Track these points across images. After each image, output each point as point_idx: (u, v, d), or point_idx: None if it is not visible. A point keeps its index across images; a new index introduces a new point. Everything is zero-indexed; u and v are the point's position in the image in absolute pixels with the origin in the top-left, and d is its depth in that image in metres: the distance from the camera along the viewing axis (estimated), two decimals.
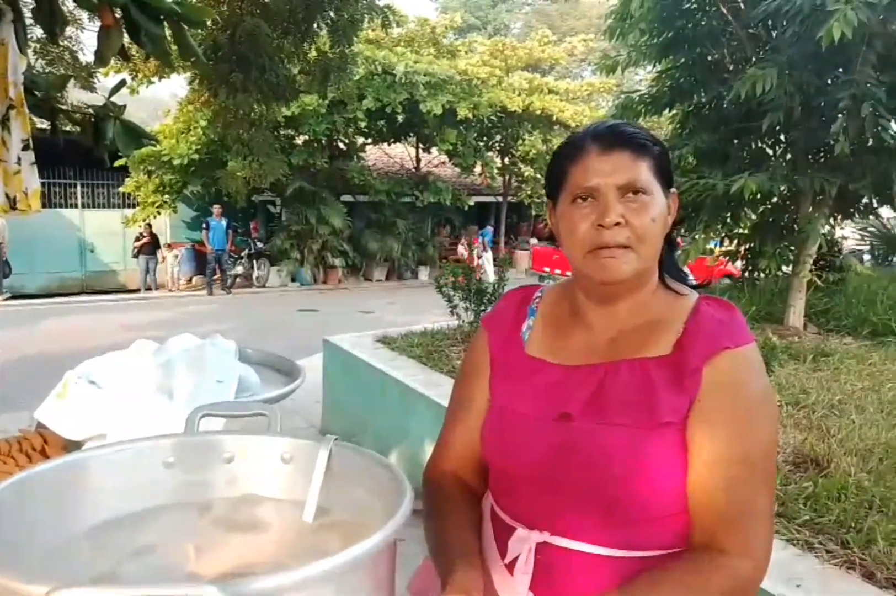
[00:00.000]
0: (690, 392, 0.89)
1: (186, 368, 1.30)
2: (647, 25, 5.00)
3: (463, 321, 4.95)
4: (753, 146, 5.47)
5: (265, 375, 1.59)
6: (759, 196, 5.05)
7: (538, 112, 15.47)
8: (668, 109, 5.71)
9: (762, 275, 6.07)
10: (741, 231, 6.10)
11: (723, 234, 6.08)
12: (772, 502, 0.91)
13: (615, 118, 5.90)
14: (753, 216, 5.94)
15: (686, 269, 1.08)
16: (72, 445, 1.35)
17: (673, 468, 0.88)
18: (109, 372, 1.35)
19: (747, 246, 6.08)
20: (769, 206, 5.74)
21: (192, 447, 0.97)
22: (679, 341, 0.92)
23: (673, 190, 0.97)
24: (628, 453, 0.88)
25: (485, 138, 16.85)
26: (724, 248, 6.61)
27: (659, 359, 0.92)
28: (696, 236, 5.50)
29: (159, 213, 14.62)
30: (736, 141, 5.36)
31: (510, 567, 0.97)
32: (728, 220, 5.73)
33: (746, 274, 6.28)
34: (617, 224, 0.90)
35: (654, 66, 5.59)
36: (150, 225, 14.57)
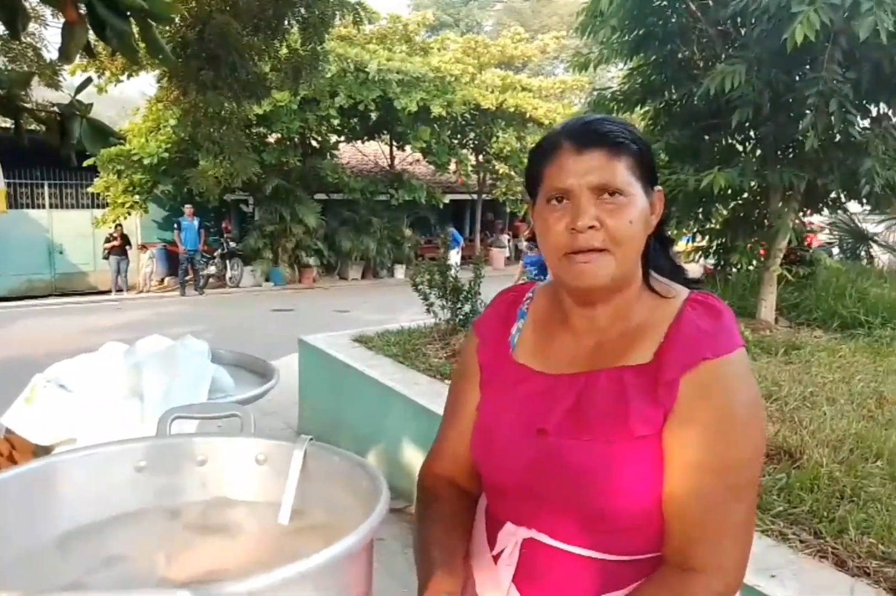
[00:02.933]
0: (665, 404, 0.86)
1: (157, 370, 1.28)
2: (618, 23, 5.02)
3: (439, 319, 4.94)
4: (723, 142, 5.54)
5: (239, 376, 1.57)
6: (729, 191, 5.11)
7: (512, 109, 15.51)
8: (640, 106, 5.75)
9: (734, 270, 6.14)
10: (713, 226, 6.17)
11: (695, 230, 6.14)
12: (749, 517, 0.88)
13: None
14: (724, 212, 6.01)
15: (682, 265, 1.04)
16: (41, 450, 1.32)
17: (650, 480, 0.87)
18: (79, 375, 1.32)
19: (719, 241, 6.14)
20: (740, 202, 5.82)
21: (163, 450, 0.95)
22: (659, 349, 0.89)
23: (658, 188, 0.94)
24: (603, 468, 0.87)
25: (459, 136, 16.86)
26: (696, 244, 6.68)
27: (638, 367, 0.90)
28: (668, 232, 5.53)
29: (129, 213, 14.40)
30: (706, 137, 5.42)
31: (497, 559, 0.97)
32: (700, 215, 5.79)
33: (719, 269, 6.35)
34: (591, 227, 0.87)
35: (626, 63, 5.62)
36: (120, 226, 14.33)
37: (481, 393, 1.03)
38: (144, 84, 17.04)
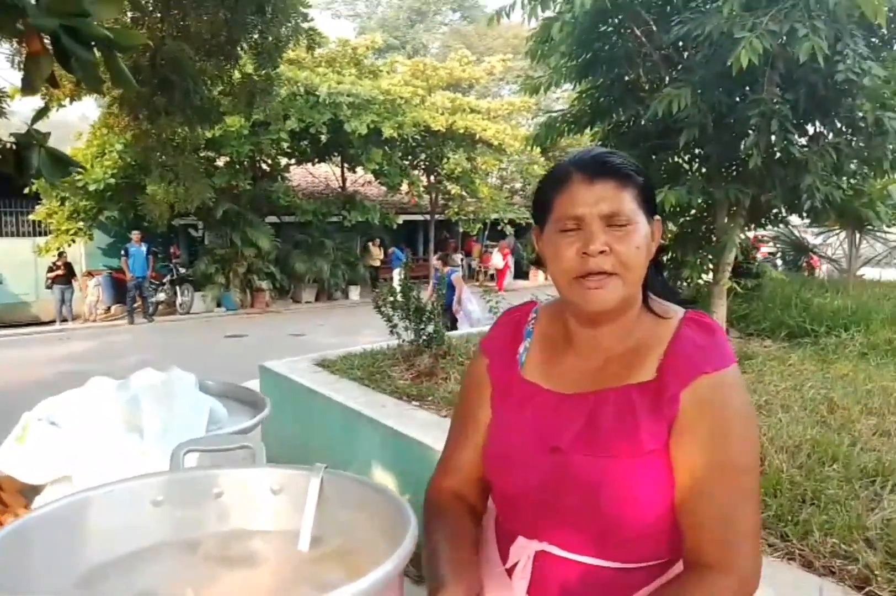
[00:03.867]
0: (668, 417, 0.92)
1: (155, 404, 1.27)
2: (567, 48, 5.18)
3: (403, 340, 4.95)
4: (671, 161, 5.73)
5: (231, 406, 1.57)
6: (678, 209, 5.28)
7: (461, 131, 15.74)
8: (589, 127, 5.91)
9: (685, 284, 6.33)
10: (664, 242, 6.34)
11: None
12: (756, 519, 0.93)
13: (540, 137, 6.08)
14: (674, 228, 6.20)
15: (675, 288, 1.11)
16: (30, 490, 1.30)
17: (661, 492, 0.92)
18: (71, 412, 1.30)
19: (670, 257, 6.32)
20: (688, 218, 6.01)
21: (179, 484, 0.96)
22: (661, 366, 0.95)
23: (657, 217, 1.00)
24: (616, 483, 0.92)
25: (410, 157, 16.99)
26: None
27: (642, 385, 0.95)
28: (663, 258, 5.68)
29: (74, 240, 14.05)
30: (654, 156, 5.59)
31: (510, 572, 1.01)
32: None
33: (670, 283, 6.52)
34: (602, 252, 0.92)
35: (575, 86, 5.78)
36: (63, 253, 13.94)
37: (493, 411, 1.08)
38: (86, 108, 16.71)
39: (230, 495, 0.97)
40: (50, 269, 13.78)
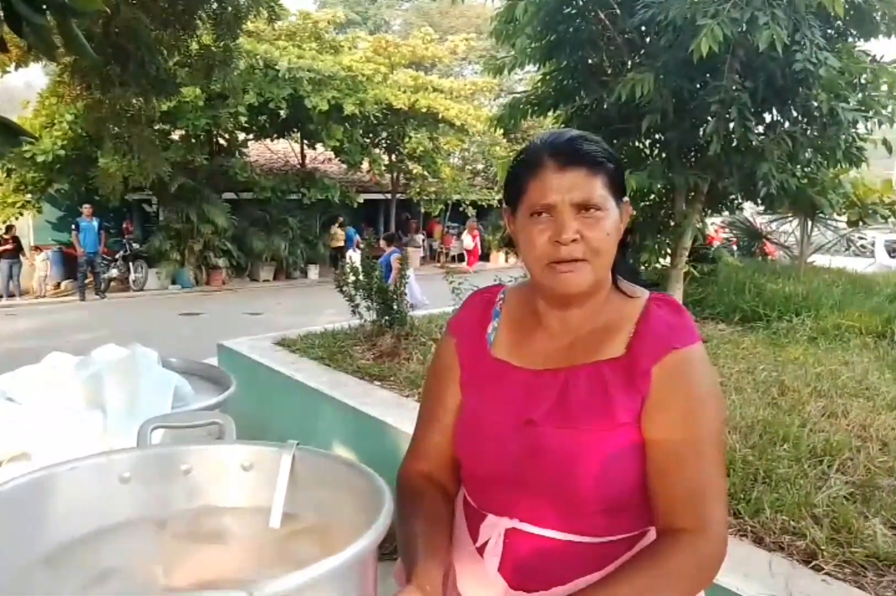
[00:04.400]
0: (642, 391, 0.95)
1: (118, 381, 1.25)
2: (532, 29, 5.16)
3: (365, 320, 4.94)
4: (633, 145, 5.78)
5: (196, 383, 1.55)
6: (639, 193, 5.34)
7: (424, 110, 15.61)
8: (552, 110, 5.91)
9: (643, 267, 6.42)
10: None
11: None
12: (724, 484, 0.98)
13: (504, 119, 6.07)
14: (634, 212, 6.27)
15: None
16: None
17: (631, 464, 0.95)
18: (28, 388, 1.27)
19: (630, 240, 6.41)
20: (648, 203, 6.09)
21: (147, 461, 0.95)
22: (630, 342, 0.98)
23: (625, 199, 1.02)
24: (590, 456, 0.95)
25: (371, 135, 16.81)
26: None
27: (612, 361, 0.98)
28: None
29: (21, 213, 13.57)
30: (616, 141, 5.64)
31: (481, 551, 1.03)
32: None
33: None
34: (574, 240, 0.95)
35: (539, 68, 5.77)
36: (12, 226, 13.48)
37: (463, 390, 1.09)
38: (32, 75, 16.04)
39: (199, 472, 0.96)
40: None
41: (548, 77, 5.72)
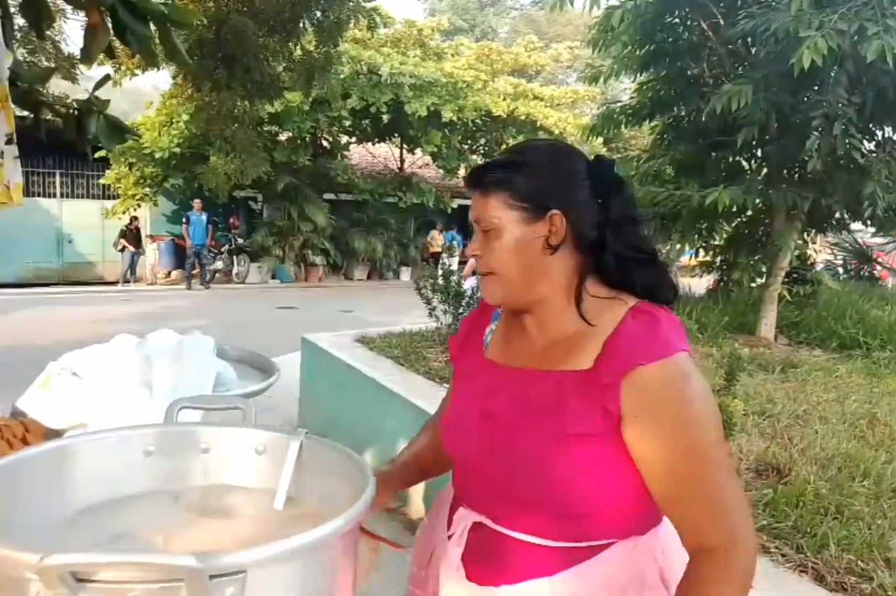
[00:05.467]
0: (610, 406, 0.93)
1: (166, 363, 1.35)
2: (629, 38, 5.10)
3: (441, 323, 5.00)
4: (730, 159, 5.60)
5: (242, 371, 1.64)
6: (734, 209, 5.17)
7: (522, 117, 15.60)
8: (648, 121, 5.82)
9: (736, 286, 6.19)
10: (717, 242, 6.22)
11: (698, 245, 6.19)
12: (736, 486, 0.95)
13: (597, 128, 6.01)
14: (728, 228, 6.06)
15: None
16: (52, 434, 1.39)
17: (594, 476, 0.95)
18: (92, 364, 1.39)
19: (722, 257, 6.19)
20: (743, 220, 5.88)
21: (170, 437, 1.02)
22: (598, 357, 0.96)
23: (552, 212, 0.98)
24: (535, 458, 0.96)
25: (469, 141, 16.95)
26: (699, 259, 6.73)
27: (578, 373, 0.97)
28: (670, 246, 5.60)
29: (140, 205, 14.52)
30: (713, 154, 5.48)
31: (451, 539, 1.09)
32: (703, 231, 5.84)
33: (721, 285, 6.40)
34: (476, 255, 1.03)
35: (636, 77, 5.69)
36: (136, 218, 14.50)
37: (454, 384, 1.18)
38: (158, 77, 17.17)
39: (217, 451, 1.02)
40: (122, 233, 14.35)
41: (644, 87, 5.63)
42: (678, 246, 5.69)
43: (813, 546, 2.31)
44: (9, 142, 2.68)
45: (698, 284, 7.21)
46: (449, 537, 1.09)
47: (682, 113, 5.48)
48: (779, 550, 2.31)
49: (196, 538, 0.88)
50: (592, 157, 1.05)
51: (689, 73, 5.34)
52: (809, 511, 2.53)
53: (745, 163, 5.63)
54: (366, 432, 4.19)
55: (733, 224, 5.90)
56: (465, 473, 1.07)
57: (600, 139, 11.82)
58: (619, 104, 6.01)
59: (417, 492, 3.44)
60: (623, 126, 5.95)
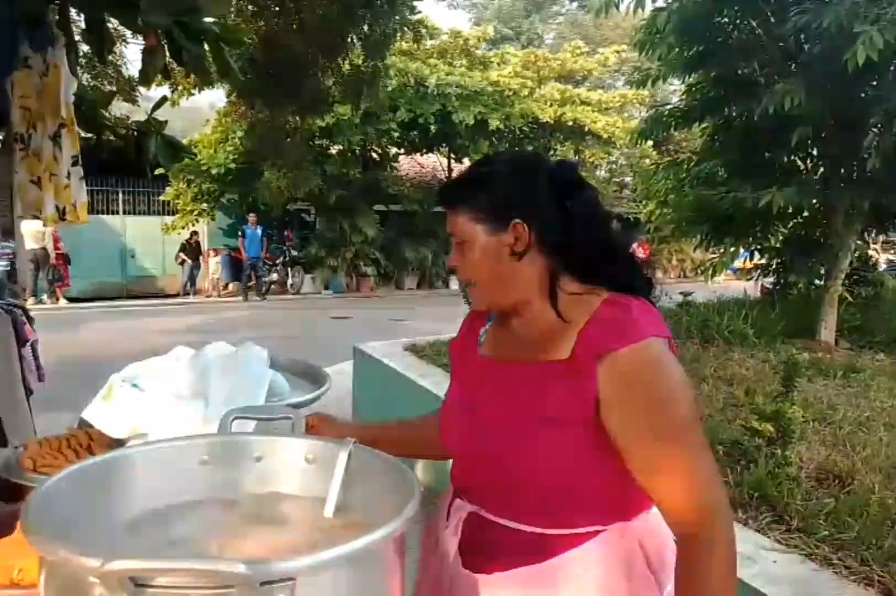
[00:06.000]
0: (586, 391, 0.99)
1: (221, 374, 1.40)
2: (676, 40, 5.03)
3: None
4: (784, 160, 5.46)
5: (294, 381, 1.68)
6: (789, 210, 5.03)
7: (570, 123, 15.52)
8: (698, 123, 5.73)
9: (793, 289, 6.02)
10: (772, 245, 6.07)
11: (753, 248, 6.05)
12: (708, 463, 0.99)
13: (646, 131, 5.95)
14: (784, 230, 5.91)
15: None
16: (116, 443, 1.45)
17: (564, 461, 1.01)
18: (151, 376, 1.45)
19: (778, 260, 6.03)
20: (800, 220, 5.72)
21: (224, 447, 1.06)
22: (574, 346, 1.02)
23: (515, 221, 1.04)
24: (517, 444, 1.03)
25: (517, 149, 16.93)
26: (754, 262, 6.57)
27: (557, 362, 1.03)
28: (724, 249, 5.49)
29: (197, 220, 14.98)
30: (766, 154, 5.35)
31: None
32: (758, 233, 5.70)
33: (777, 288, 6.23)
34: (455, 267, 1.12)
35: (684, 79, 5.61)
36: (195, 233, 14.98)
37: (451, 380, 1.26)
38: (214, 96, 17.67)
39: (269, 460, 1.05)
40: (183, 247, 14.86)
41: (693, 88, 5.55)
42: (732, 249, 5.57)
43: (879, 558, 2.22)
44: (75, 163, 2.83)
45: (754, 288, 7.03)
46: (447, 528, 1.14)
47: (734, 114, 5.37)
48: (842, 561, 2.23)
49: (249, 545, 0.91)
50: (555, 162, 1.13)
51: (739, 73, 5.23)
52: (874, 522, 2.44)
53: (800, 163, 5.49)
54: None
55: (789, 226, 5.74)
56: (459, 465, 1.14)
57: (650, 143, 11.69)
58: (668, 107, 5.93)
59: None
60: (672, 129, 5.88)
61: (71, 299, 13.78)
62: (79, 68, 5.38)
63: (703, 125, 5.79)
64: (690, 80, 5.56)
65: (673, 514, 0.99)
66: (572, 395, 1.00)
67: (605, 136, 15.68)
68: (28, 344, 4.63)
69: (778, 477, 2.56)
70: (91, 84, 6.22)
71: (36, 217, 2.92)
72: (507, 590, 1.06)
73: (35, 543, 0.70)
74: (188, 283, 15.12)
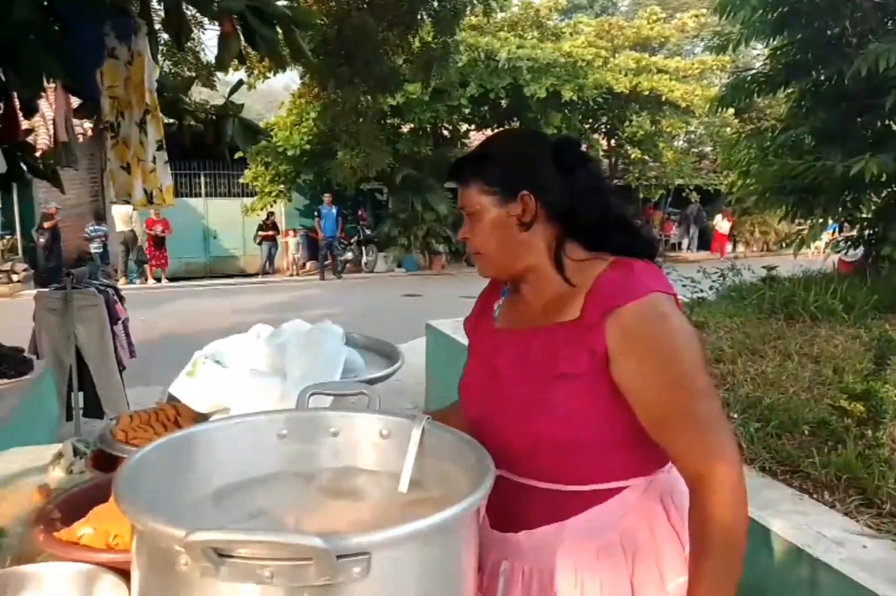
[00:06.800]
0: (595, 347, 1.04)
1: (298, 352, 1.43)
2: (760, 1, 4.76)
3: None
4: (878, 125, 5.12)
5: (369, 357, 1.72)
6: (882, 178, 4.73)
7: (646, 92, 15.01)
8: (783, 88, 5.43)
9: (887, 262, 5.69)
10: (863, 215, 5.73)
11: (842, 219, 5.73)
12: (716, 409, 1.03)
13: (726, 99, 5.69)
14: (877, 200, 5.56)
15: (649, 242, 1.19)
16: (200, 417, 1.51)
17: (580, 413, 1.06)
18: (232, 353, 1.50)
19: (870, 232, 5.70)
20: (894, 189, 5.37)
21: (302, 421, 1.09)
22: (583, 306, 1.08)
23: (522, 193, 1.10)
24: (532, 403, 1.08)
25: (590, 121, 16.54)
26: (843, 234, 6.23)
27: (567, 323, 1.09)
28: (812, 221, 5.23)
29: (275, 201, 15.34)
30: (858, 119, 5.03)
31: None
32: (848, 203, 5.40)
33: (869, 261, 5.90)
34: (466, 238, 1.17)
35: (768, 42, 5.32)
36: (272, 213, 15.38)
37: (468, 354, 1.30)
38: (288, 78, 17.94)
39: (345, 435, 1.08)
40: (260, 228, 15.32)
41: (778, 52, 5.25)
42: (820, 221, 5.29)
43: None
44: (159, 148, 2.94)
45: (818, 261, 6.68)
46: None
47: (822, 77, 5.06)
48: None
49: (326, 518, 0.93)
50: (559, 138, 1.20)
51: (828, 33, 4.91)
52: None
53: (895, 127, 5.13)
54: None
55: (882, 195, 5.40)
56: (481, 430, 1.15)
57: (731, 111, 11.16)
58: (750, 72, 5.64)
59: None
60: (755, 95, 5.59)
61: (158, 279, 14.43)
62: (160, 56, 5.56)
63: (789, 90, 5.48)
64: (775, 43, 5.25)
65: (681, 460, 1.03)
66: (582, 351, 1.05)
67: (683, 105, 15.09)
68: (119, 322, 4.90)
69: (868, 459, 2.44)
70: (172, 71, 6.42)
71: (127, 201, 3.07)
72: (533, 548, 1.11)
73: (126, 511, 0.74)
74: (267, 263, 15.58)
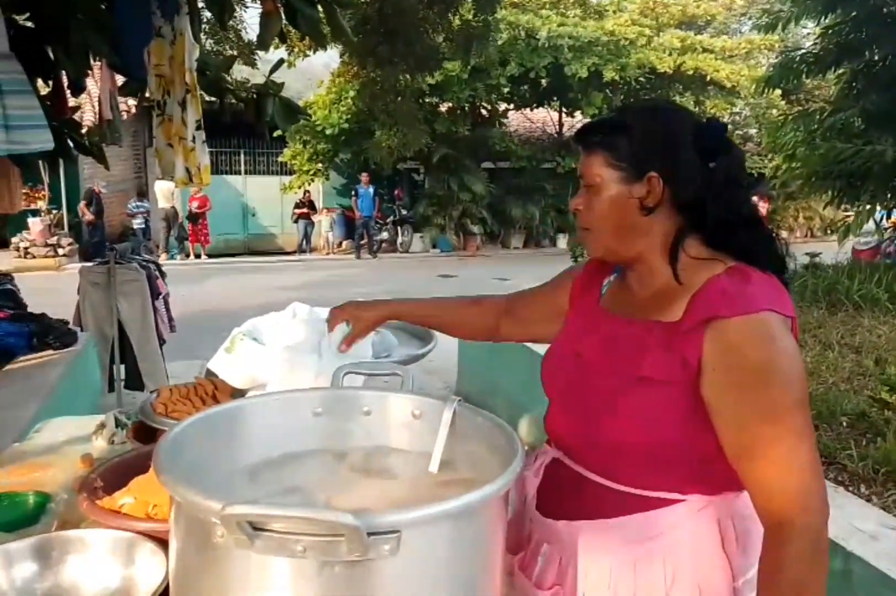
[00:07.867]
0: (689, 356, 0.96)
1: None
2: None
3: None
4: None
5: (402, 338, 1.73)
6: None
7: (690, 72, 14.67)
8: (834, 69, 5.26)
9: None
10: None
11: (892, 206, 5.56)
12: (810, 451, 0.93)
13: (773, 79, 5.53)
14: None
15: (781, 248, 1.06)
16: (237, 393, 1.55)
17: (667, 422, 0.99)
18: (270, 330, 1.53)
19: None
20: None
21: (336, 400, 1.11)
22: (686, 310, 0.99)
23: (650, 174, 1.01)
24: (610, 398, 1.03)
25: (633, 101, 16.22)
26: (893, 220, 6.06)
27: (666, 323, 1.01)
28: (859, 207, 5.08)
29: (313, 180, 15.42)
30: None
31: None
32: None
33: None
34: (578, 210, 1.09)
35: (819, 21, 5.14)
36: (308, 192, 15.48)
37: (564, 323, 1.22)
38: (328, 57, 17.92)
39: (378, 415, 1.09)
40: (297, 206, 15.46)
41: (830, 31, 5.07)
42: (867, 207, 5.13)
43: None
44: (198, 127, 2.97)
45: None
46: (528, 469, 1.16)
47: (876, 58, 4.89)
48: None
49: (358, 495, 0.95)
50: (705, 120, 1.07)
51: (885, 11, 4.73)
52: None
53: None
54: (520, 397, 4.25)
55: None
56: (553, 410, 1.14)
57: (778, 92, 10.84)
58: (799, 52, 5.47)
59: None
60: (804, 76, 5.43)
61: (198, 255, 14.66)
62: (202, 34, 5.60)
63: (840, 71, 5.30)
64: (826, 21, 5.07)
65: (762, 499, 0.94)
66: (673, 356, 0.98)
67: (729, 85, 14.72)
68: (161, 297, 5.01)
69: None
70: (214, 49, 6.46)
71: (171, 179, 3.12)
72: (570, 540, 1.07)
73: (165, 483, 0.77)
74: (304, 241, 15.71)
